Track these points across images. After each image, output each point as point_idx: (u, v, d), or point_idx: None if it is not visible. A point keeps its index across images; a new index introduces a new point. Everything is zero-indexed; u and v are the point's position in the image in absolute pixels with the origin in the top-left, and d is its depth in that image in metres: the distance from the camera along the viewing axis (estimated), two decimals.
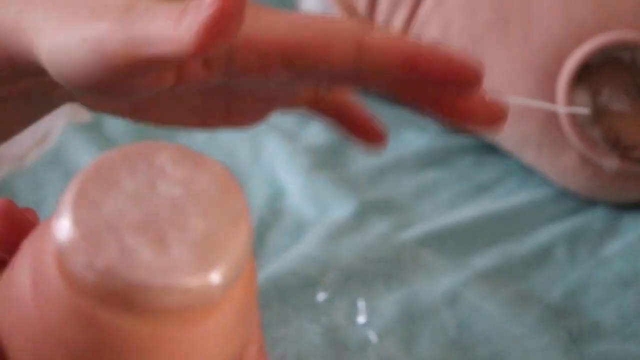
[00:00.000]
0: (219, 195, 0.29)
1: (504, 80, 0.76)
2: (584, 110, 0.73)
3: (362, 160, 0.80)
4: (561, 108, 0.73)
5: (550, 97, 0.74)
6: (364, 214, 0.74)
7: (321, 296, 0.68)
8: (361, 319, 0.66)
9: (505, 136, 0.79)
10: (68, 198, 0.28)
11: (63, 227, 0.28)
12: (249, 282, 0.30)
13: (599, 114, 0.74)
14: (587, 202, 0.77)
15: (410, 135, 0.84)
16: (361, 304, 0.67)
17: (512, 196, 0.78)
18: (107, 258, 0.27)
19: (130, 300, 0.26)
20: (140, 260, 0.27)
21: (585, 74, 0.73)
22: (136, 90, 0.37)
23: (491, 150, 0.83)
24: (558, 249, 0.73)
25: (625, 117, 0.74)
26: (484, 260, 0.71)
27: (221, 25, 0.32)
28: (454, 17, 0.80)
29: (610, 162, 0.73)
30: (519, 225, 0.75)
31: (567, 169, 0.76)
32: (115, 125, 0.81)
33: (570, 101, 0.73)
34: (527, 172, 0.80)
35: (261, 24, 0.36)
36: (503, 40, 0.77)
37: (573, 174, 0.75)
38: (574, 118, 0.73)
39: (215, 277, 0.27)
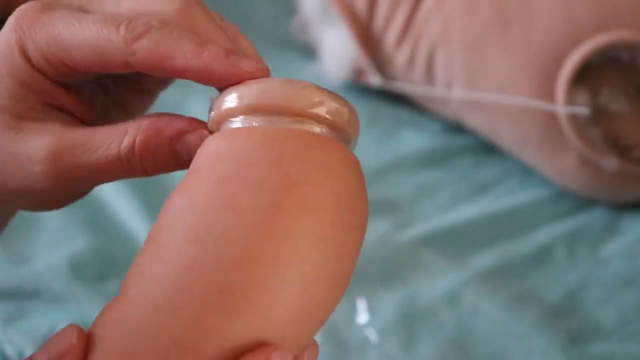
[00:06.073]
0: None
1: (503, 80, 0.76)
2: (583, 111, 0.73)
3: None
4: (561, 108, 0.73)
5: (550, 97, 0.74)
6: None
7: None
8: (361, 318, 0.66)
9: (505, 136, 0.79)
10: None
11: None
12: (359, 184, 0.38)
13: (599, 114, 0.74)
14: (586, 202, 0.77)
15: (410, 135, 0.84)
16: (361, 304, 0.67)
17: (512, 196, 0.78)
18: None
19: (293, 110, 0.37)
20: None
21: (585, 74, 0.73)
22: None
23: (491, 150, 0.83)
24: (558, 248, 0.73)
25: (624, 117, 0.74)
26: (483, 260, 0.72)
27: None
28: (454, 17, 0.80)
29: (610, 162, 0.73)
30: (519, 225, 0.75)
31: (567, 169, 0.76)
32: None
33: (570, 101, 0.73)
34: (527, 172, 0.80)
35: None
36: (503, 40, 0.77)
37: (572, 173, 0.75)
38: (573, 118, 0.73)
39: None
